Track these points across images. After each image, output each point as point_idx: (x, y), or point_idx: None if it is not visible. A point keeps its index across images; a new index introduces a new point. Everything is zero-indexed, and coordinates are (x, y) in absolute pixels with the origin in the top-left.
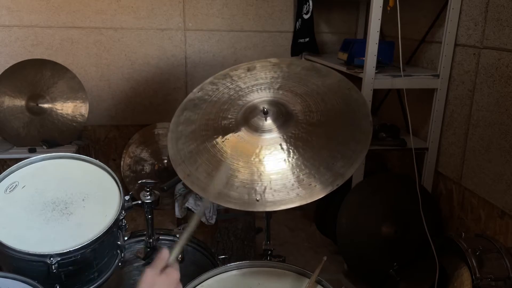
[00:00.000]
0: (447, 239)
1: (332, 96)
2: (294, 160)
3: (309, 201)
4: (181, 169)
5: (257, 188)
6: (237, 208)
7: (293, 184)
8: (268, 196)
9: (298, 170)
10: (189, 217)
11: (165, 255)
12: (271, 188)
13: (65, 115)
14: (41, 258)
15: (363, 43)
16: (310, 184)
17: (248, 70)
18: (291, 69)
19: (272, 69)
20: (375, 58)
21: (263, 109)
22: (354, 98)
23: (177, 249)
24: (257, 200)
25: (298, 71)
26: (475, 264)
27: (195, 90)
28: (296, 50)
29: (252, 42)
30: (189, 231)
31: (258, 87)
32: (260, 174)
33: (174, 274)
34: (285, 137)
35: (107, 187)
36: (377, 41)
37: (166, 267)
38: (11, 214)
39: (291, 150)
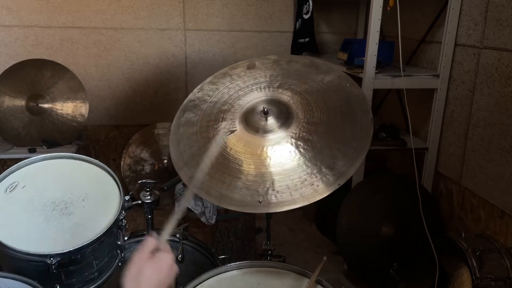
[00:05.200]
0: (447, 239)
1: (332, 93)
2: (296, 160)
3: (312, 201)
4: (184, 172)
5: (260, 189)
6: (240, 210)
7: (295, 185)
8: (271, 198)
9: (300, 170)
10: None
11: (152, 240)
12: (273, 189)
13: (65, 115)
14: (41, 258)
15: (363, 43)
16: (313, 184)
17: (248, 68)
18: (291, 66)
19: (272, 66)
20: (375, 58)
21: (264, 110)
22: (354, 94)
23: (167, 230)
24: (260, 202)
25: (298, 67)
26: (475, 264)
27: (195, 90)
28: (296, 50)
29: (252, 42)
30: (179, 211)
31: (258, 86)
32: (262, 175)
33: (166, 257)
34: (286, 137)
35: (107, 187)
36: (377, 41)
37: (156, 250)
38: (11, 214)
39: (292, 150)
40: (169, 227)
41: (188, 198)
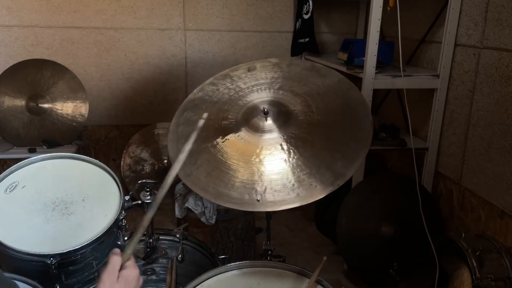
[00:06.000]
0: (447, 239)
1: (332, 96)
2: (294, 160)
3: (309, 201)
4: (181, 169)
5: (258, 188)
6: (238, 208)
7: (293, 184)
8: (269, 196)
9: (298, 170)
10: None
11: (117, 257)
12: (271, 188)
13: (65, 115)
14: (41, 258)
15: (363, 43)
16: (311, 184)
17: (249, 70)
18: (291, 69)
19: (272, 69)
20: (375, 58)
21: (264, 109)
22: (354, 98)
23: (131, 245)
24: (258, 200)
25: (298, 71)
26: (475, 264)
27: (195, 90)
28: (296, 50)
29: (252, 42)
30: (145, 222)
31: (258, 87)
32: (261, 174)
33: (131, 273)
34: (285, 137)
35: (107, 187)
36: (377, 41)
37: (122, 267)
38: (11, 214)
39: (291, 150)
40: (135, 239)
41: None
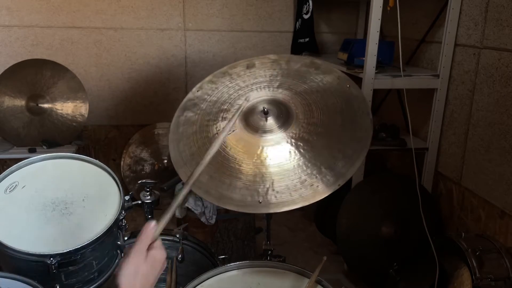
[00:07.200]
0: (447, 239)
1: (332, 94)
2: (296, 160)
3: (312, 201)
4: (183, 171)
5: (260, 190)
6: (240, 210)
7: (295, 185)
8: (271, 198)
9: (300, 170)
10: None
11: (151, 230)
12: (273, 190)
13: (65, 115)
14: (41, 258)
15: (363, 43)
16: (312, 185)
17: (247, 67)
18: (290, 66)
19: (271, 66)
20: (375, 58)
21: (264, 109)
22: (354, 95)
23: (165, 220)
24: (260, 202)
25: (298, 67)
26: (475, 264)
27: (194, 89)
28: (296, 50)
29: (252, 42)
30: (178, 200)
31: (258, 85)
32: (262, 175)
33: (159, 254)
34: (286, 137)
35: (107, 187)
36: (377, 41)
37: (151, 245)
38: (11, 214)
39: (292, 151)
40: (166, 218)
41: (184, 194)
